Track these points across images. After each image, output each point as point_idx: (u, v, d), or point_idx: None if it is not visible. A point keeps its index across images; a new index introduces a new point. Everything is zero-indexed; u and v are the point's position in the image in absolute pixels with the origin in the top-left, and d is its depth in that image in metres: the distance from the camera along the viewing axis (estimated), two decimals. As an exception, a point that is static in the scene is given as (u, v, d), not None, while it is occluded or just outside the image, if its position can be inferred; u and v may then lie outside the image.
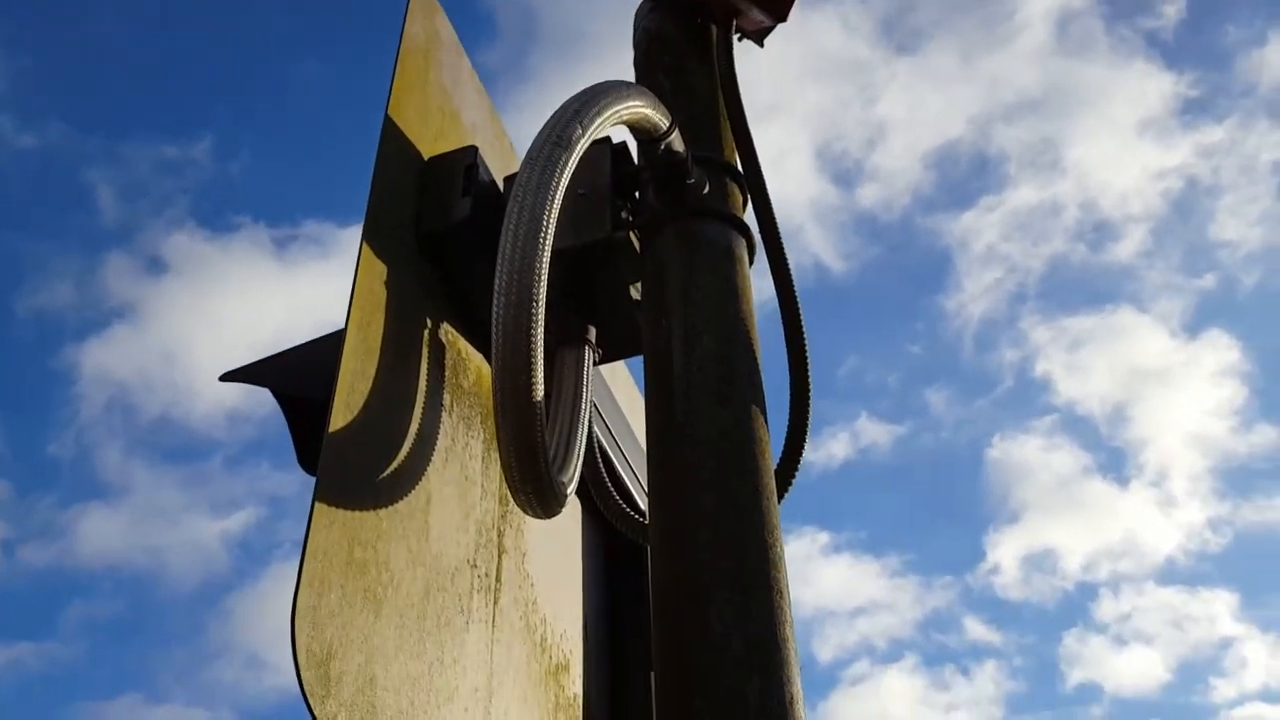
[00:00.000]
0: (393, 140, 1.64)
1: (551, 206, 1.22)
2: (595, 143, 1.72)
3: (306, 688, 1.07)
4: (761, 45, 2.08)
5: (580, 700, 1.83)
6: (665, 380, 1.49)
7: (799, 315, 1.59)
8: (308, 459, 1.86)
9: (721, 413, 1.43)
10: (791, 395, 1.53)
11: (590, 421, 1.64)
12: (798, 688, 1.22)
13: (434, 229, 1.64)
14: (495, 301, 1.18)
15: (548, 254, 1.19)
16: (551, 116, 1.33)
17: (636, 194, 1.79)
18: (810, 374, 1.54)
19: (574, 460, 1.44)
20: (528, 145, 1.37)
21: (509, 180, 1.81)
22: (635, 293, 1.78)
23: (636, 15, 2.06)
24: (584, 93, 1.38)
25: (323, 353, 1.78)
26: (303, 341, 1.90)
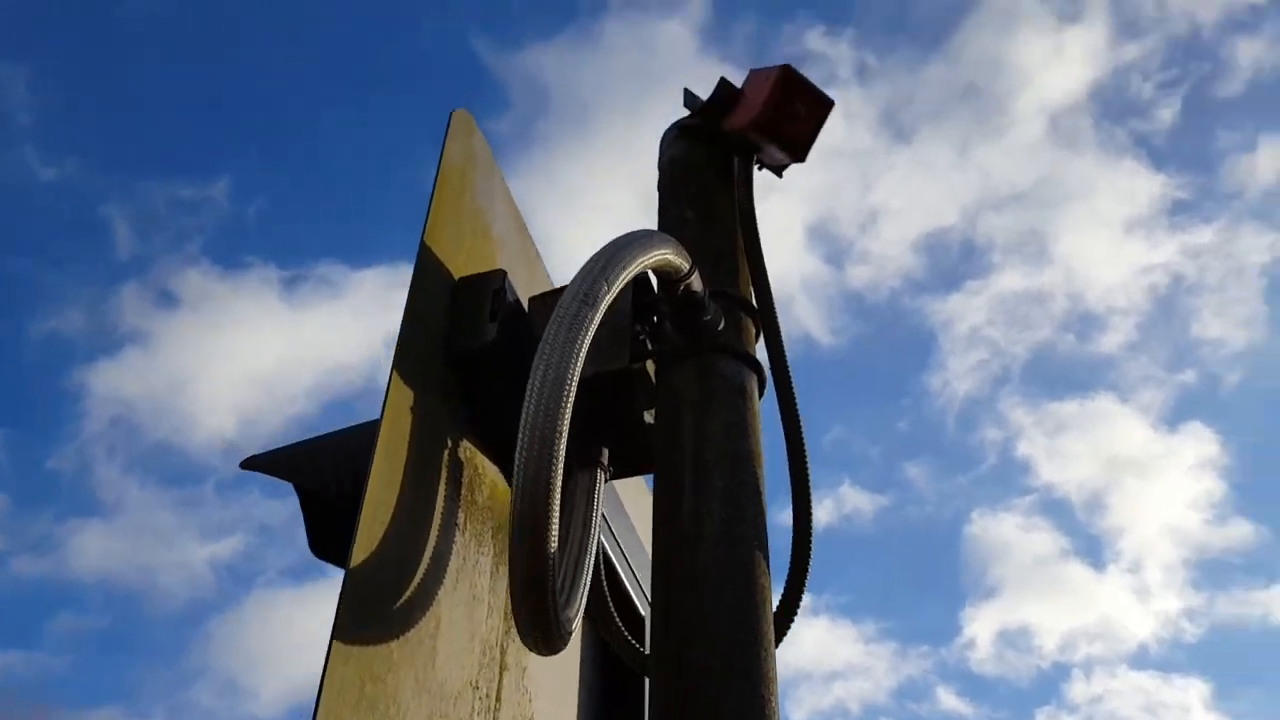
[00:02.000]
0: (427, 263, 1.72)
1: (576, 364, 1.28)
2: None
3: (313, 827, 1.11)
4: (780, 176, 2.17)
5: (570, 814, 1.86)
6: (675, 518, 1.54)
7: (804, 457, 1.65)
8: (319, 546, 1.91)
9: (728, 556, 1.48)
10: (794, 543, 1.58)
11: (598, 538, 1.69)
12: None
13: (461, 350, 1.71)
14: (517, 457, 1.24)
15: (569, 413, 1.26)
16: (580, 270, 1.40)
17: (654, 318, 1.86)
18: (812, 523, 1.59)
19: (579, 594, 1.49)
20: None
21: (534, 301, 1.89)
22: (649, 417, 1.84)
23: (662, 142, 2.15)
24: (611, 246, 1.45)
25: (344, 448, 1.84)
26: (325, 433, 1.96)
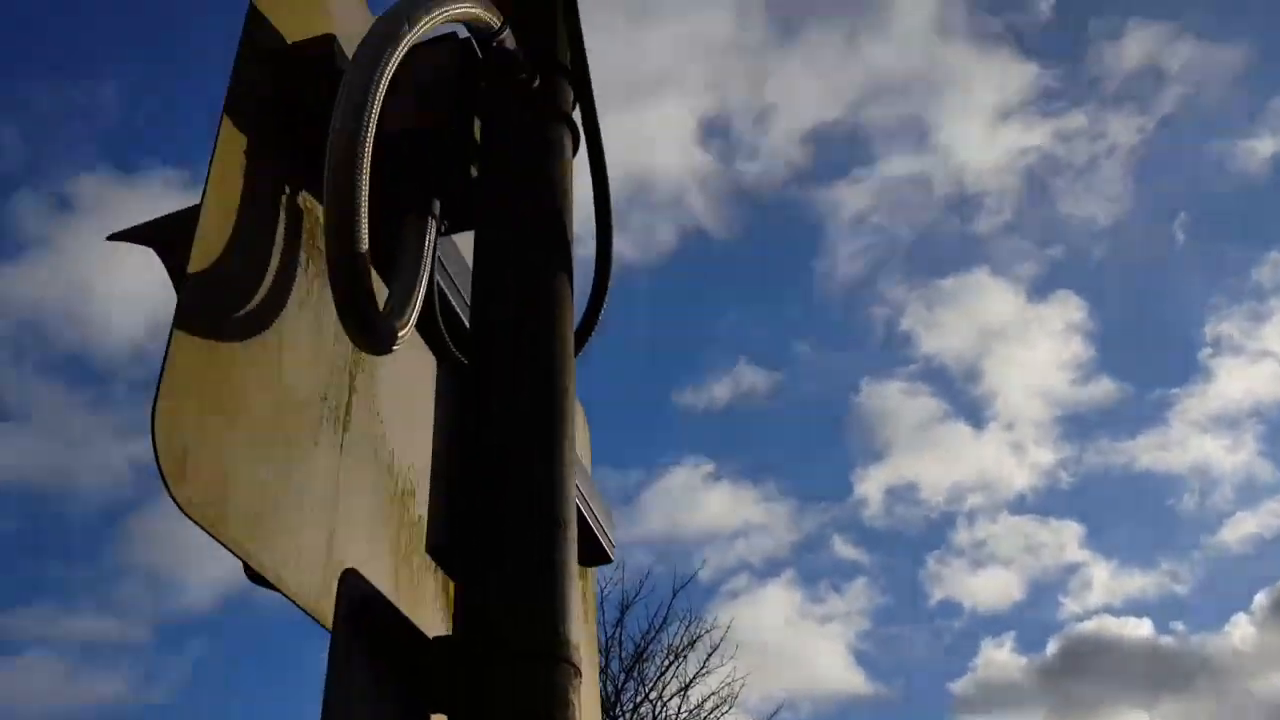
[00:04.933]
0: (258, 23, 1.84)
1: (376, 89, 1.46)
2: (443, 38, 1.95)
3: (166, 473, 1.34)
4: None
5: (424, 521, 2.15)
6: (492, 247, 1.77)
7: (608, 196, 1.87)
8: None
9: (535, 276, 1.72)
10: (596, 267, 1.83)
11: (434, 275, 1.91)
12: (569, 486, 1.55)
13: (292, 112, 1.85)
14: (325, 170, 1.42)
15: (372, 127, 1.44)
16: (382, 15, 1.55)
17: (482, 84, 2.02)
18: (612, 251, 1.84)
19: (410, 309, 1.71)
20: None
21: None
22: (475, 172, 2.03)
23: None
24: None
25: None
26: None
